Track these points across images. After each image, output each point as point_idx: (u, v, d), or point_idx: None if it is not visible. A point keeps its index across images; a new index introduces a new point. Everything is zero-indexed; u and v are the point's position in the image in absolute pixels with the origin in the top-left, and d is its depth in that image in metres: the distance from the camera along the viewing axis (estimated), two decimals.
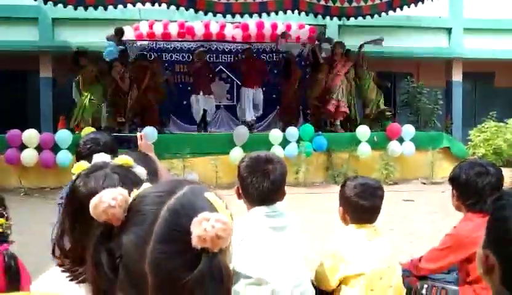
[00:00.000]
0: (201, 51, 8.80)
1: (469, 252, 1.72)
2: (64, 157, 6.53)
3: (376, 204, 1.77)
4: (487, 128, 7.74)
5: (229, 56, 9.96)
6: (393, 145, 7.56)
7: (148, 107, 8.20)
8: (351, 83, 8.79)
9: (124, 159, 1.05)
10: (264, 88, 9.53)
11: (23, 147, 6.61)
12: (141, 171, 1.05)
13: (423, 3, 8.74)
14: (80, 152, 2.05)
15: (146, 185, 0.70)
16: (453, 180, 1.97)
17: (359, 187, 1.76)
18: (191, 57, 9.62)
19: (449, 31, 11.38)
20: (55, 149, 6.68)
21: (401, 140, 7.73)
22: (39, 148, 6.68)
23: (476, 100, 12.16)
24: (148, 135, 6.66)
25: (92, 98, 7.72)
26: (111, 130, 7.63)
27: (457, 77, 11.52)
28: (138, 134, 2.29)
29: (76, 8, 8.10)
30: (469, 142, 7.99)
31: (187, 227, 0.60)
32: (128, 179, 0.99)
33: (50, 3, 7.90)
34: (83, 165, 1.07)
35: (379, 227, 1.81)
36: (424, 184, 7.45)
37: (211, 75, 9.00)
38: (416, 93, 10.00)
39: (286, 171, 1.70)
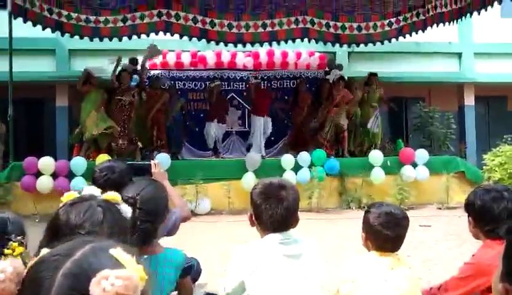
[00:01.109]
0: (217, 84, 8.94)
1: (491, 281, 1.68)
2: (78, 183, 6.60)
3: (401, 234, 1.73)
4: (502, 152, 7.62)
5: (240, 83, 10.11)
6: (407, 170, 7.48)
7: (158, 127, 8.31)
8: (351, 111, 8.80)
9: (112, 195, 1.08)
10: (275, 114, 9.62)
11: (38, 174, 6.72)
12: (126, 209, 1.09)
13: (431, 28, 8.83)
14: (96, 180, 2.08)
15: (44, 250, 0.67)
16: (469, 207, 1.93)
17: (383, 216, 1.73)
18: (203, 85, 9.78)
19: (459, 55, 11.41)
20: (70, 175, 6.77)
21: (415, 165, 7.66)
22: (55, 175, 6.77)
23: (489, 123, 12.05)
24: (161, 163, 6.75)
25: (96, 118, 7.79)
26: (122, 155, 7.75)
27: (469, 101, 11.47)
28: (152, 162, 2.32)
29: (91, 40, 8.39)
30: (484, 167, 7.87)
31: (86, 290, 0.56)
32: (110, 215, 1.01)
33: (67, 35, 8.21)
34: (72, 194, 1.08)
35: (403, 256, 1.77)
36: (440, 209, 7.32)
37: (225, 106, 9.13)
38: (428, 117, 9.96)
39: (299, 197, 1.70)
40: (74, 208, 1.01)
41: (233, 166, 7.45)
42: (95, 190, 1.11)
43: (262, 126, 8.87)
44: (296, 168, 7.29)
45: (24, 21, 7.52)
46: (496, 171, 7.39)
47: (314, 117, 8.88)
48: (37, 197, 6.70)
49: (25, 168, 6.71)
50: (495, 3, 6.82)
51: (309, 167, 7.28)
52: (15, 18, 7.34)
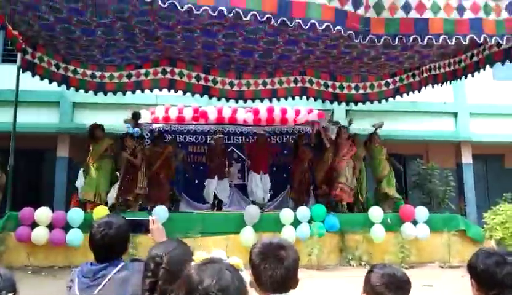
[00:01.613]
0: (219, 137, 9.05)
1: None
2: (74, 235, 6.51)
3: None
4: (502, 210, 7.58)
5: (240, 138, 10.27)
6: (407, 227, 7.40)
7: (159, 187, 8.27)
8: (356, 166, 8.80)
9: (236, 261, 1.22)
10: (274, 168, 9.68)
11: (34, 225, 6.63)
12: (245, 275, 1.20)
13: (425, 88, 9.11)
14: (94, 235, 2.07)
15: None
16: (471, 270, 1.90)
17: (386, 277, 1.70)
18: (204, 139, 9.92)
19: (455, 115, 11.68)
20: (67, 227, 6.68)
21: (415, 222, 7.59)
22: (51, 226, 6.68)
23: (487, 181, 12.09)
24: (159, 216, 6.69)
25: (101, 172, 7.81)
26: (119, 207, 7.68)
27: (467, 159, 11.58)
28: (150, 218, 2.30)
29: (96, 94, 8.62)
30: (485, 225, 7.80)
31: None
32: (236, 279, 1.12)
33: (72, 88, 8.44)
34: (202, 255, 1.24)
35: None
36: (442, 267, 7.16)
37: (226, 161, 9.15)
38: (427, 175, 10.00)
39: (299, 257, 1.68)
40: (206, 269, 1.12)
41: (232, 220, 7.38)
42: (222, 254, 1.26)
43: (259, 183, 8.88)
44: (296, 222, 7.21)
45: (33, 76, 7.77)
46: (498, 229, 7.31)
47: (312, 170, 8.93)
48: (32, 248, 6.57)
49: (21, 218, 6.63)
50: (487, 66, 7.09)
51: (309, 222, 7.20)
52: (23, 72, 7.59)
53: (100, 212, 6.53)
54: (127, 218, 2.19)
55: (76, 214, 6.72)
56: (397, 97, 9.67)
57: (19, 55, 7.38)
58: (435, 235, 7.48)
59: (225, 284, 1.08)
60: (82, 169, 8.18)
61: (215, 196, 8.75)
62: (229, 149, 9.94)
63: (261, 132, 9.48)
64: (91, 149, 7.91)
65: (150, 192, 8.03)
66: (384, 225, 7.38)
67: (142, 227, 2.26)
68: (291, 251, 1.63)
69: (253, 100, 9.36)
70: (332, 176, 8.49)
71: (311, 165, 9.06)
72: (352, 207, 8.61)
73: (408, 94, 9.51)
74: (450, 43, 5.30)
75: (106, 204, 7.69)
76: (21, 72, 7.53)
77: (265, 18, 4.78)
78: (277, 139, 10.39)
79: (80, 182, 8.12)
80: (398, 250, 7.02)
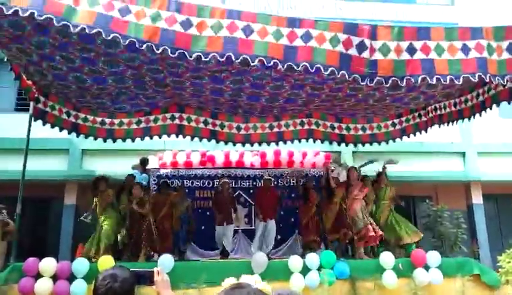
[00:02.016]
0: (225, 181, 9.06)
1: None
2: (79, 287, 6.35)
3: None
4: None
5: (247, 181, 10.25)
6: (419, 273, 7.16)
7: (164, 236, 8.14)
8: (369, 207, 8.66)
9: (263, 287, 1.32)
10: (282, 212, 9.58)
11: (39, 275, 6.50)
12: None
13: (431, 128, 9.12)
14: (99, 288, 2.03)
15: None
16: None
17: None
18: (211, 183, 9.91)
19: (463, 155, 11.61)
20: (71, 278, 6.55)
21: (427, 267, 7.36)
22: (55, 277, 6.55)
23: (500, 222, 11.85)
24: (164, 266, 6.55)
25: (107, 224, 7.77)
26: (125, 255, 7.56)
27: (477, 199, 11.42)
28: (155, 269, 2.27)
29: (105, 141, 8.73)
30: (500, 269, 7.54)
31: None
32: None
33: (81, 135, 8.56)
34: (231, 281, 1.33)
35: None
36: None
37: (233, 206, 9.09)
38: (437, 217, 9.84)
39: None
40: (234, 293, 1.19)
41: (238, 268, 7.18)
42: (251, 280, 1.38)
43: (263, 230, 8.76)
44: (305, 270, 7.02)
45: (44, 124, 7.91)
46: None
47: (321, 214, 8.79)
48: None
49: (25, 269, 6.49)
50: (494, 105, 7.12)
51: (318, 269, 7.01)
52: (35, 121, 7.74)
53: (105, 262, 6.42)
54: (131, 269, 2.16)
55: (81, 265, 6.59)
56: (404, 138, 9.69)
57: (31, 104, 7.55)
58: (448, 280, 7.22)
59: None
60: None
61: (224, 245, 8.66)
62: (237, 193, 9.90)
63: (267, 177, 9.45)
64: (96, 202, 7.90)
65: (155, 242, 7.92)
66: (396, 271, 7.16)
67: (147, 279, 2.23)
68: None
69: (259, 143, 9.43)
70: (344, 220, 8.36)
71: (320, 209, 8.93)
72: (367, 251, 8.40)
73: (415, 135, 9.51)
74: (457, 82, 5.32)
75: (113, 250, 7.61)
76: (32, 120, 7.68)
77: (272, 63, 4.90)
78: (285, 182, 10.35)
79: None
80: None
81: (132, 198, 7.84)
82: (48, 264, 6.50)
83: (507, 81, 5.48)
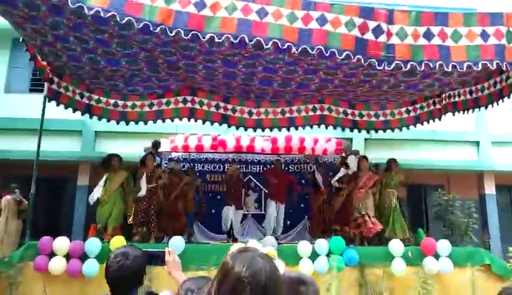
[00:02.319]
0: (234, 167, 9.11)
1: None
2: (91, 266, 6.47)
3: None
4: None
5: (258, 166, 10.26)
6: (429, 262, 7.14)
7: (176, 217, 8.25)
8: (376, 198, 8.64)
9: (269, 250, 1.35)
10: (291, 198, 9.59)
11: (52, 254, 6.64)
12: (280, 263, 1.32)
13: (445, 116, 8.99)
14: (110, 266, 2.06)
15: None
16: None
17: None
18: (221, 167, 9.94)
19: (477, 144, 11.44)
20: (84, 257, 6.67)
21: (437, 256, 7.34)
22: (68, 256, 6.69)
23: None
24: (175, 248, 6.63)
25: (117, 207, 7.85)
26: (135, 236, 7.68)
27: (490, 190, 11.28)
28: (166, 249, 2.29)
29: (118, 123, 8.78)
30: (510, 260, 7.49)
31: None
32: (268, 265, 1.21)
33: (95, 117, 8.62)
34: (238, 245, 1.35)
35: None
36: None
37: (242, 190, 9.14)
38: (448, 206, 9.76)
39: (319, 293, 1.64)
40: (239, 256, 1.22)
41: None
42: (257, 244, 1.44)
43: (275, 211, 8.82)
44: (314, 255, 7.05)
45: (58, 105, 7.98)
46: None
47: (332, 201, 8.78)
48: (48, 279, 6.54)
49: (40, 248, 6.64)
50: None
51: (327, 255, 7.04)
52: (49, 102, 7.81)
53: (117, 242, 6.52)
54: (143, 249, 2.18)
55: (93, 245, 6.71)
56: (418, 125, 9.57)
57: (46, 85, 7.62)
58: (458, 270, 7.19)
59: (256, 270, 1.17)
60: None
61: (231, 228, 8.72)
62: (247, 178, 9.93)
63: (277, 158, 9.48)
64: (106, 179, 7.96)
65: (167, 222, 8.02)
66: (405, 259, 7.15)
67: (158, 259, 2.26)
68: (312, 287, 1.58)
69: (271, 129, 9.40)
70: (347, 210, 8.34)
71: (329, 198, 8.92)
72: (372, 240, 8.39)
73: (429, 123, 9.37)
74: (475, 68, 5.21)
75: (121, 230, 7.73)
76: (47, 101, 7.75)
77: (286, 46, 4.84)
78: (295, 168, 10.34)
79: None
80: (420, 286, 6.75)
81: (145, 170, 7.89)
82: (61, 243, 6.63)
83: None
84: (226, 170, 9.50)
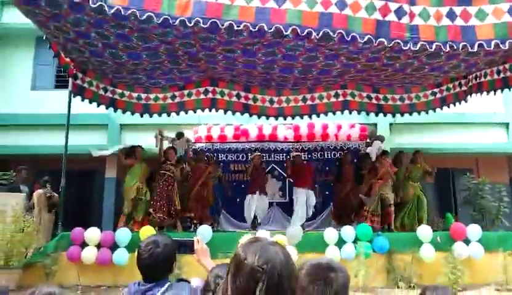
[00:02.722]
0: (257, 154, 9.17)
1: None
2: (121, 255, 6.67)
3: None
4: None
5: (281, 155, 10.25)
6: (459, 247, 7.01)
7: (203, 205, 8.39)
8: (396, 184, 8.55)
9: (279, 238, 1.35)
10: (317, 186, 9.55)
11: (84, 244, 6.87)
12: (292, 250, 1.30)
13: (470, 97, 8.72)
14: (141, 254, 2.11)
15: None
16: None
17: None
18: (245, 157, 9.98)
19: (506, 126, 11.06)
20: (114, 247, 6.86)
21: (467, 241, 7.19)
22: (99, 246, 6.90)
23: None
24: (203, 236, 6.74)
25: (146, 198, 8.02)
26: (163, 227, 7.84)
27: None
28: (195, 238, 2.33)
29: (142, 116, 8.91)
30: None
31: None
32: (281, 253, 1.19)
33: (119, 111, 8.78)
34: (248, 236, 1.37)
35: None
36: (499, 290, 6.71)
37: (266, 177, 9.21)
38: (478, 190, 9.51)
39: (349, 280, 1.62)
40: (251, 246, 1.19)
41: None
42: (266, 233, 1.45)
43: (305, 198, 8.79)
44: (340, 243, 7.03)
45: (82, 100, 8.17)
46: None
47: (356, 190, 8.69)
48: (81, 268, 6.80)
49: (72, 238, 6.89)
50: None
51: (354, 242, 7.00)
52: (74, 97, 7.99)
53: (147, 232, 6.67)
54: (173, 238, 2.22)
55: (123, 234, 6.90)
56: (444, 109, 9.32)
57: (70, 80, 7.79)
58: (489, 255, 7.04)
59: (269, 258, 1.15)
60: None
61: (255, 217, 8.77)
62: (270, 166, 9.93)
63: (297, 153, 9.40)
64: (130, 169, 8.17)
65: (194, 210, 8.16)
66: (433, 244, 7.04)
67: (187, 248, 2.29)
68: (341, 273, 1.56)
69: (293, 117, 9.34)
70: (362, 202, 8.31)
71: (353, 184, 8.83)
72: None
73: (455, 105, 9.10)
74: (503, 47, 5.02)
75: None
76: (72, 96, 7.93)
77: (306, 32, 4.78)
78: (319, 155, 10.27)
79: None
80: (449, 271, 6.64)
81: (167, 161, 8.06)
82: (93, 234, 6.87)
83: None
84: (250, 159, 9.52)
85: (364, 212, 8.11)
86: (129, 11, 4.65)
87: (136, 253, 2.11)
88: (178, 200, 8.11)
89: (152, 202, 7.96)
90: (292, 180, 9.36)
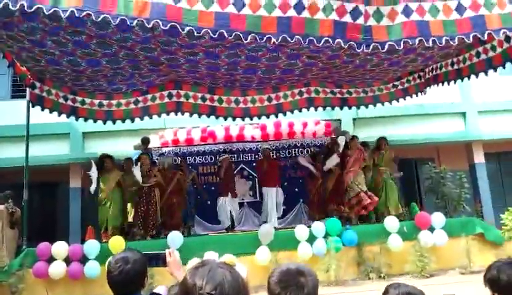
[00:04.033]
0: (226, 157, 9.15)
1: None
2: (92, 267, 6.51)
3: None
4: None
5: (249, 154, 10.28)
6: (424, 235, 7.28)
7: (173, 211, 8.28)
8: (368, 174, 8.74)
9: (228, 258, 1.28)
10: (286, 183, 9.65)
11: (51, 259, 6.65)
12: (241, 269, 1.28)
13: (430, 88, 9.07)
14: (111, 271, 2.08)
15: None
16: (492, 283, 1.86)
17: None
18: (213, 158, 9.94)
19: (464, 115, 11.55)
20: (84, 259, 6.69)
21: (432, 229, 7.47)
22: (68, 259, 6.70)
23: (502, 179, 11.92)
24: (175, 241, 6.67)
25: (114, 207, 7.85)
26: (132, 234, 7.71)
27: (479, 158, 11.41)
28: (167, 250, 2.31)
29: (105, 123, 8.72)
30: (503, 227, 7.66)
31: None
32: (228, 276, 1.17)
33: (81, 119, 8.55)
34: (195, 260, 1.34)
35: None
36: (463, 274, 7.02)
37: (234, 179, 9.20)
38: (440, 178, 9.88)
39: (318, 281, 1.66)
40: (197, 271, 1.16)
41: (246, 240, 7.33)
42: (214, 255, 1.39)
43: (274, 196, 8.87)
44: (311, 238, 7.14)
45: (42, 109, 7.90)
46: None
47: (325, 184, 8.85)
48: (50, 284, 6.58)
49: (38, 254, 6.65)
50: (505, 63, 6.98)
51: (324, 237, 7.13)
52: (33, 107, 7.72)
53: (116, 243, 6.54)
54: (143, 253, 2.20)
55: (92, 246, 6.73)
56: (404, 101, 9.63)
57: (28, 90, 7.51)
58: (453, 240, 7.35)
59: (217, 282, 1.13)
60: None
61: (232, 218, 8.78)
62: (239, 167, 9.95)
63: (266, 146, 9.48)
64: (100, 181, 7.95)
65: (164, 219, 8.06)
66: (400, 234, 7.28)
67: (159, 260, 2.27)
68: (310, 277, 1.61)
69: (259, 117, 9.39)
70: (340, 190, 8.43)
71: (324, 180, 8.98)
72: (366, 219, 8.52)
73: (417, 95, 9.47)
74: (453, 43, 5.25)
75: (121, 231, 7.75)
76: (30, 106, 7.65)
77: (265, 39, 4.81)
78: (286, 153, 10.37)
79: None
80: (417, 259, 6.90)
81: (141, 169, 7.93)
82: (60, 248, 6.66)
83: None
84: (218, 161, 9.49)
85: (358, 195, 8.20)
86: (84, 13, 4.51)
87: (106, 270, 2.08)
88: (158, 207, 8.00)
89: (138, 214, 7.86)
90: (260, 180, 9.40)
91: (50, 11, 4.50)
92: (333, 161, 8.60)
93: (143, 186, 7.90)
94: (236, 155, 10.11)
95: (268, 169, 9.03)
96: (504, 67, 7.12)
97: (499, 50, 6.96)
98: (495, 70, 7.27)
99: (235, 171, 9.70)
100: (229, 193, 8.79)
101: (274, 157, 9.95)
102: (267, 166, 9.06)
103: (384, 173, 8.67)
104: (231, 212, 8.76)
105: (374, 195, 8.29)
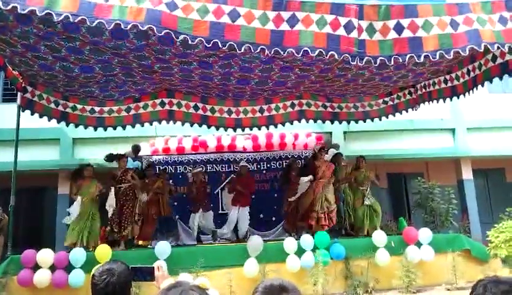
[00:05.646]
0: (199, 171, 9.00)
1: None
2: (77, 276, 6.42)
3: None
4: (506, 228, 7.52)
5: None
6: (411, 250, 7.32)
7: (148, 221, 8.21)
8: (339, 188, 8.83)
9: (201, 282, 1.30)
10: (275, 194, 9.62)
11: (37, 267, 6.54)
12: (213, 293, 1.27)
13: (419, 106, 9.20)
14: (96, 284, 2.06)
15: None
16: None
17: None
18: (204, 168, 9.87)
19: (453, 131, 11.68)
20: (69, 268, 6.59)
21: (419, 244, 7.52)
22: (53, 267, 6.60)
23: (489, 196, 12.05)
24: (162, 253, 6.62)
25: (95, 219, 7.78)
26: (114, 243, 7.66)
27: (467, 175, 11.55)
28: (155, 264, 2.30)
29: (95, 129, 8.67)
30: (489, 244, 7.72)
31: None
32: None
33: (71, 125, 8.49)
34: (169, 280, 1.32)
35: None
36: (449, 290, 7.06)
37: (207, 192, 9.06)
38: (428, 193, 9.96)
39: None
40: (170, 292, 1.17)
41: (234, 251, 7.29)
42: (188, 277, 1.38)
43: (234, 217, 8.65)
44: (300, 251, 7.13)
45: (32, 114, 7.83)
46: (502, 248, 7.24)
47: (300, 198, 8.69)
48: (34, 292, 6.46)
49: (23, 261, 6.53)
50: (485, 82, 7.05)
51: (312, 250, 7.13)
52: (23, 111, 7.66)
53: (103, 251, 6.47)
54: (131, 266, 2.18)
55: (78, 255, 6.64)
56: (394, 117, 9.74)
57: (19, 94, 7.46)
58: (440, 256, 7.41)
59: None
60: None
61: (199, 234, 8.69)
62: (230, 177, 9.89)
63: (243, 163, 9.27)
64: (78, 189, 7.87)
65: (141, 227, 8.04)
66: (388, 249, 7.30)
67: (146, 274, 2.24)
68: (294, 293, 1.61)
69: (250, 128, 9.43)
70: (312, 203, 8.29)
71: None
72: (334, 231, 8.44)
73: (407, 111, 9.60)
74: (448, 57, 5.28)
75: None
76: (21, 111, 7.59)
77: (259, 49, 4.86)
78: (277, 164, 10.39)
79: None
80: (404, 274, 6.92)
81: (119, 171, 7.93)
82: (45, 255, 6.54)
83: (507, 49, 5.32)
84: (191, 176, 9.16)
85: (312, 213, 8.17)
86: (78, 18, 4.51)
87: (90, 281, 2.06)
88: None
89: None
90: (232, 198, 8.80)
91: (43, 13, 4.48)
92: (304, 179, 8.40)
93: (119, 187, 7.88)
94: (226, 165, 10.09)
95: (240, 188, 8.72)
96: (482, 86, 7.15)
97: (483, 68, 6.99)
98: (477, 89, 7.35)
99: (224, 183, 9.65)
100: (200, 209, 8.63)
101: (265, 167, 9.94)
102: (241, 184, 8.76)
103: (365, 193, 8.70)
104: (202, 227, 8.67)
105: (334, 218, 8.28)
